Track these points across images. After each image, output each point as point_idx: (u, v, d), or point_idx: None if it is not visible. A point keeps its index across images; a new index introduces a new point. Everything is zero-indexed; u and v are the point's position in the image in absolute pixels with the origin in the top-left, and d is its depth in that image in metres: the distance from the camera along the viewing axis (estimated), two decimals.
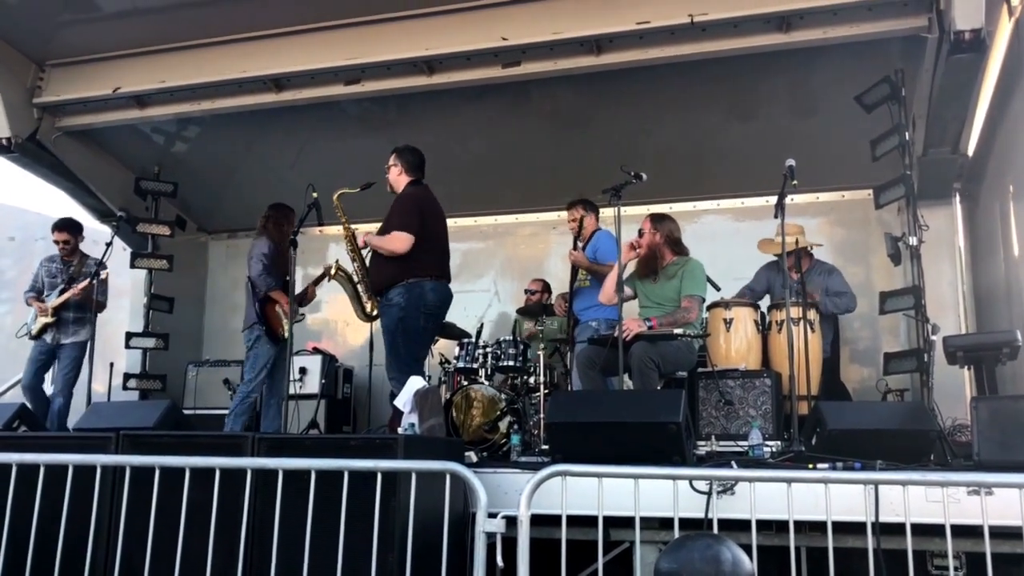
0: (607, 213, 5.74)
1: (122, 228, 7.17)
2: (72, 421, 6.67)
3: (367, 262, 5.46)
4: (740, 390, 5.08)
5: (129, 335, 7.53)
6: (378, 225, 5.30)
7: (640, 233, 5.23)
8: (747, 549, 2.42)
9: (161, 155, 7.81)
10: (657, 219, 5.30)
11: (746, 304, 5.50)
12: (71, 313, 6.60)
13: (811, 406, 4.67)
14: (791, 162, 4.74)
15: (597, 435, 3.78)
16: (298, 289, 6.00)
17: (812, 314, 5.34)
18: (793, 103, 6.59)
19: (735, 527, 3.21)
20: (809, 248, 6.02)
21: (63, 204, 8.07)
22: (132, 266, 7.55)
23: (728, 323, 5.34)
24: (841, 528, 3.16)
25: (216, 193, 8.38)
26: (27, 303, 6.75)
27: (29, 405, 6.01)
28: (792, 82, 6.34)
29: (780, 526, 3.33)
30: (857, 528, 3.24)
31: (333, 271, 5.57)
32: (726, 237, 7.39)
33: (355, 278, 5.59)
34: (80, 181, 7.62)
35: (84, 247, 6.93)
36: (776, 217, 4.88)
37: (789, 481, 3.03)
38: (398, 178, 5.32)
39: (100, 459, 3.39)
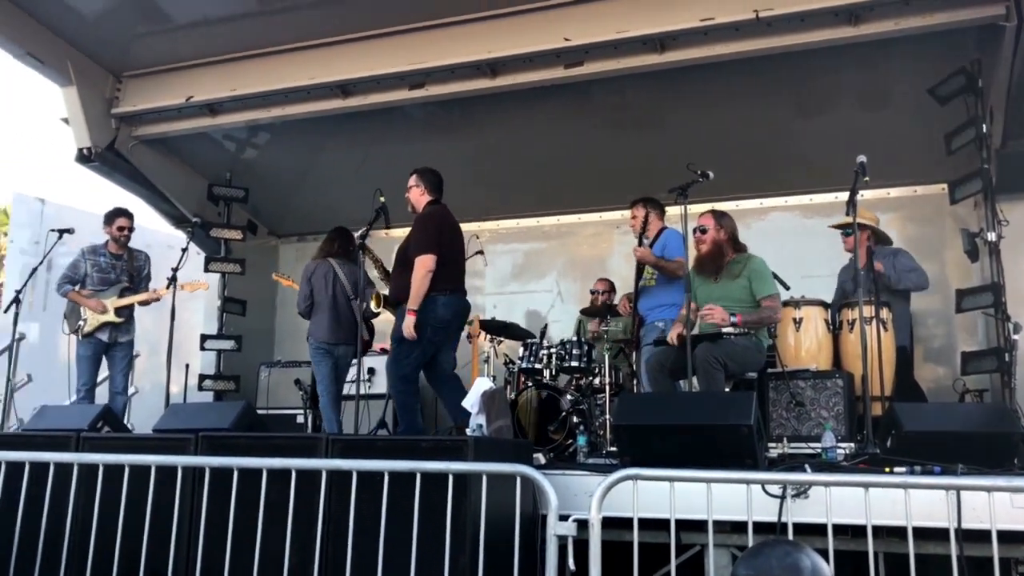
0: (672, 211, 5.70)
1: (196, 233, 7.36)
2: (139, 419, 6.88)
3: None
4: (811, 391, 4.98)
5: (204, 337, 7.75)
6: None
7: (703, 230, 5.08)
8: (822, 554, 2.37)
9: (232, 161, 8.00)
10: (719, 215, 5.16)
11: (816, 303, 5.39)
12: (123, 313, 6.51)
13: (885, 407, 4.56)
14: (862, 158, 4.62)
15: (666, 437, 3.74)
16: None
17: (885, 312, 5.20)
18: (863, 97, 6.43)
19: (809, 531, 3.15)
20: (875, 225, 5.77)
21: (140, 211, 8.32)
22: (206, 270, 7.74)
23: (798, 323, 5.24)
24: (921, 534, 3.07)
25: (285, 198, 8.55)
26: (64, 295, 6.47)
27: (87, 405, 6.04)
28: (861, 76, 6.18)
29: (856, 531, 3.26)
30: (937, 534, 3.16)
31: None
32: (794, 234, 7.25)
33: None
34: (156, 188, 7.84)
35: (155, 253, 6.98)
36: (847, 214, 4.76)
37: (867, 486, 2.96)
38: (419, 198, 5.43)
39: (181, 460, 3.49)
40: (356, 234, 5.76)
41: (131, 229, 6.62)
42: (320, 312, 6.24)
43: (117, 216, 6.58)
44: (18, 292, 6.32)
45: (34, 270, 6.60)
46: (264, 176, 8.09)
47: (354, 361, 6.98)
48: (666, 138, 6.89)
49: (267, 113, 6.99)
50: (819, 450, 4.33)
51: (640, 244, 5.72)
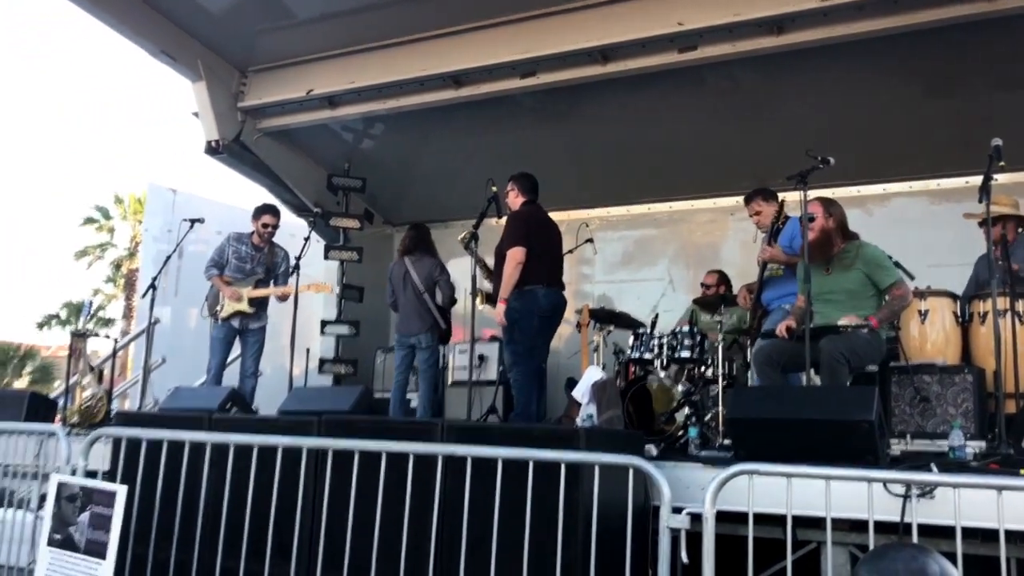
0: (789, 197, 5.52)
1: (317, 223, 7.63)
2: (262, 400, 7.21)
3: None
4: (938, 386, 4.77)
5: (324, 323, 8.05)
6: None
7: (811, 218, 4.78)
8: (950, 559, 2.29)
9: (350, 152, 8.25)
10: (828, 203, 4.90)
11: (944, 294, 5.14)
12: (255, 303, 6.77)
13: (1020, 405, 4.32)
14: (997, 141, 4.36)
15: (782, 432, 3.66)
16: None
17: (1021, 305, 4.92)
18: (997, 76, 6.07)
19: (934, 533, 3.04)
20: (1012, 212, 5.43)
21: (261, 200, 8.69)
22: (326, 258, 8.06)
23: (923, 314, 5.02)
24: None
25: (400, 187, 8.76)
26: (208, 278, 6.78)
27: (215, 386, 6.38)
28: (996, 53, 5.83)
29: (987, 535, 3.11)
30: None
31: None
32: (920, 221, 6.93)
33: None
34: (279, 178, 8.18)
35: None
36: (980, 201, 4.51)
37: (1000, 488, 2.83)
38: (515, 200, 5.85)
39: (306, 442, 3.66)
40: (464, 230, 6.18)
41: (275, 227, 6.88)
42: (399, 307, 6.83)
43: (263, 213, 6.87)
44: (154, 279, 6.66)
45: (168, 258, 6.98)
46: (380, 166, 8.31)
47: (460, 349, 7.23)
48: (782, 123, 6.71)
49: (383, 104, 7.17)
50: (946, 448, 4.15)
51: (769, 241, 5.48)
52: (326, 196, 8.31)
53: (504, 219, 5.98)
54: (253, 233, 6.88)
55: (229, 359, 6.92)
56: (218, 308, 6.69)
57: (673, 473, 3.63)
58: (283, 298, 6.71)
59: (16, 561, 4.42)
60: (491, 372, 7.54)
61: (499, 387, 7.19)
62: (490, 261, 6.27)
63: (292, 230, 8.77)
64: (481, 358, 7.52)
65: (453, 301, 6.82)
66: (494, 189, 5.74)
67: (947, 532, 2.88)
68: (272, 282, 6.85)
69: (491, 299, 6.22)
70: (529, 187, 5.84)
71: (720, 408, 5.43)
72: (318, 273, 8.49)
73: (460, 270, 6.80)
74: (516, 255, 5.49)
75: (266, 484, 3.69)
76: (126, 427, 4.34)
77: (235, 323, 6.71)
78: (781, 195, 5.60)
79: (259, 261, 6.83)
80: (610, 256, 8.40)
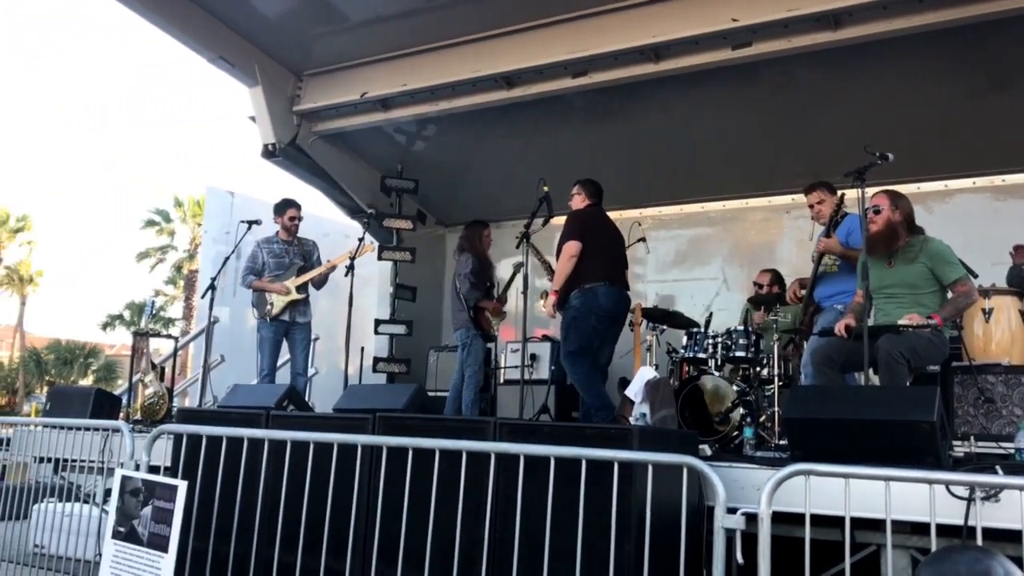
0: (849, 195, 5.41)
1: (371, 224, 7.72)
2: (318, 397, 7.29)
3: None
4: (1003, 387, 4.64)
5: (378, 322, 8.14)
6: None
7: (876, 210, 4.69)
8: (1016, 563, 2.23)
9: (403, 154, 8.33)
10: (895, 195, 4.78)
11: (1009, 292, 5.00)
12: (302, 293, 6.81)
13: None
14: None
15: (840, 432, 3.59)
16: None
17: None
18: None
19: (999, 537, 2.95)
20: None
21: (318, 202, 8.84)
22: (379, 258, 8.15)
23: (987, 313, 4.89)
24: None
25: (452, 188, 8.82)
26: (248, 286, 6.82)
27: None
28: None
29: None
30: None
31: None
32: (983, 217, 6.75)
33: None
34: (333, 180, 8.31)
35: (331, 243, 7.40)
36: None
37: None
38: (580, 203, 5.90)
39: (360, 439, 3.69)
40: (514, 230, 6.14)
41: (300, 218, 7.00)
42: None
43: (288, 207, 6.94)
44: (213, 279, 6.81)
45: (226, 259, 7.10)
46: (432, 167, 8.37)
47: (512, 348, 7.27)
48: (839, 118, 6.59)
49: (435, 107, 7.22)
50: (1011, 451, 4.03)
51: (828, 232, 5.39)
52: (379, 198, 8.41)
53: (551, 220, 6.03)
54: (279, 231, 6.96)
55: (281, 361, 7.01)
56: (268, 307, 6.73)
57: (728, 473, 3.59)
58: (321, 281, 6.83)
59: (83, 554, 4.55)
60: (543, 371, 7.55)
61: (551, 386, 7.19)
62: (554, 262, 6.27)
63: (347, 231, 8.91)
64: (533, 357, 7.53)
65: (474, 296, 6.71)
66: (545, 189, 5.73)
67: (1013, 536, 2.79)
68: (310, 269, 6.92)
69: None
70: (594, 191, 5.90)
71: (776, 408, 5.36)
72: (372, 273, 8.63)
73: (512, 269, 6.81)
74: (570, 248, 5.52)
75: (322, 480, 3.73)
76: (187, 424, 4.43)
77: (286, 317, 6.75)
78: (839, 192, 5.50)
79: (294, 253, 6.92)
80: (663, 255, 8.35)
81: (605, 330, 5.63)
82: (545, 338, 7.90)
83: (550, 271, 6.53)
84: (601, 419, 5.23)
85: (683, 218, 8.43)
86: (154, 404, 6.60)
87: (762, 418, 5.66)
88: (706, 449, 4.21)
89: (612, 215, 6.11)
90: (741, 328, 6.10)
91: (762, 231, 8.00)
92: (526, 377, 6.12)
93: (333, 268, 6.82)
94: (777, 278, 6.74)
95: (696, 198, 8.22)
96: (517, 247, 5.91)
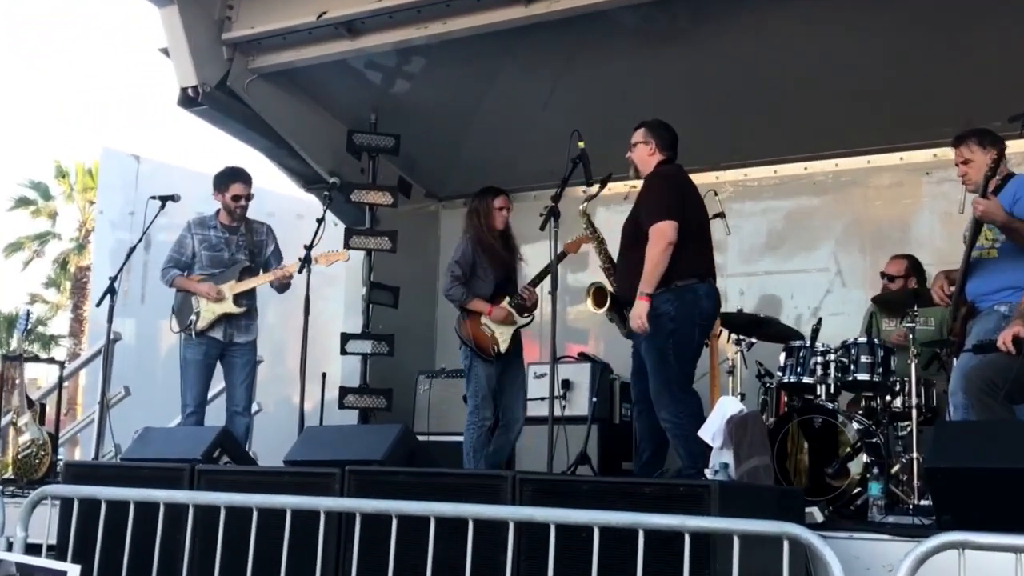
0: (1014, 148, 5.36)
1: (334, 199, 7.66)
2: (262, 444, 7.27)
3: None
4: None
5: (345, 337, 8.18)
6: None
7: None
8: None
9: (378, 99, 8.37)
10: None
11: None
12: (244, 301, 6.72)
13: None
14: None
15: (1008, 488, 3.59)
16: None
17: None
18: None
19: None
20: None
21: (260, 169, 8.88)
22: (346, 246, 8.06)
23: None
24: None
25: (449, 146, 8.86)
26: (170, 284, 6.78)
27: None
28: None
29: None
30: None
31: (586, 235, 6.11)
32: None
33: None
34: (280, 137, 8.35)
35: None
36: None
37: None
38: (648, 158, 5.73)
39: (324, 503, 3.72)
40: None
41: (248, 197, 6.88)
42: None
43: (232, 180, 6.84)
44: (112, 279, 6.68)
45: (131, 250, 6.95)
46: (420, 117, 8.41)
47: (536, 372, 7.20)
48: (997, 45, 6.57)
49: (423, 30, 7.23)
50: None
51: (985, 193, 5.33)
52: (346, 161, 8.46)
53: (594, 188, 5.98)
54: (219, 211, 6.92)
55: (213, 392, 7.02)
56: (192, 318, 6.67)
57: (847, 547, 3.61)
58: (284, 285, 6.75)
59: None
60: (579, 405, 7.55)
61: (591, 426, 7.20)
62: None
63: (300, 209, 8.95)
64: (566, 385, 7.53)
65: (457, 295, 6.65)
66: (581, 145, 5.71)
67: None
68: (262, 270, 6.86)
69: (615, 300, 6.10)
70: (670, 142, 5.76)
71: (915, 454, 5.35)
72: (335, 269, 8.60)
73: (540, 258, 6.74)
74: (666, 232, 5.34)
75: (271, 559, 3.77)
76: (79, 483, 4.47)
77: (217, 335, 6.72)
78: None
79: (238, 245, 6.86)
80: (750, 237, 8.33)
81: (702, 347, 5.64)
82: (583, 358, 7.90)
83: (609, 261, 6.36)
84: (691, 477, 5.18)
85: (778, 184, 8.42)
86: (31, 457, 6.65)
87: (895, 468, 5.65)
88: (816, 514, 4.21)
89: None
90: (864, 340, 6.07)
91: (891, 201, 7.98)
92: (557, 413, 6.12)
93: (287, 279, 6.72)
94: (915, 267, 6.71)
95: (797, 155, 8.22)
96: (541, 228, 5.91)
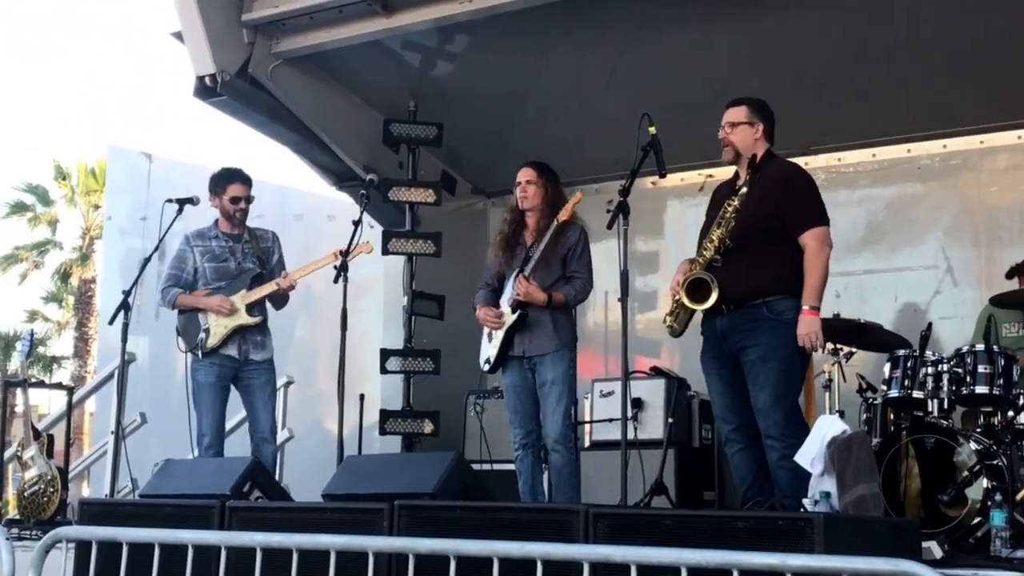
0: None
1: (370, 198, 7.65)
2: (293, 475, 7.28)
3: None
4: None
5: (385, 354, 8.21)
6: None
7: None
8: None
9: (418, 84, 8.44)
10: None
11: None
12: (257, 312, 6.78)
13: None
14: None
15: None
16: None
17: None
18: None
19: None
20: None
21: (287, 165, 8.94)
22: (384, 251, 8.16)
23: None
24: None
25: (498, 135, 8.89)
26: (172, 305, 6.83)
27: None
28: None
29: None
30: None
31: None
32: None
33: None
34: (308, 129, 8.42)
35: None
36: None
37: None
38: (754, 143, 5.58)
39: (373, 543, 3.73)
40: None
41: (248, 199, 6.92)
42: None
43: (229, 181, 6.88)
44: (126, 294, 6.72)
45: (146, 261, 7.01)
46: (465, 104, 8.47)
47: (603, 390, 7.15)
48: None
49: (467, 5, 7.24)
50: None
51: None
52: (382, 155, 8.50)
53: (664, 178, 5.94)
54: (217, 219, 6.95)
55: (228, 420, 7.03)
56: (202, 336, 6.72)
57: None
58: (283, 299, 6.82)
59: None
60: (653, 427, 7.52)
61: (667, 450, 7.17)
62: None
63: (331, 209, 8.98)
64: (637, 404, 7.51)
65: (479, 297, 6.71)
66: (652, 131, 5.69)
67: None
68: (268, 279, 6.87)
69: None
70: (774, 123, 5.73)
71: None
72: (371, 276, 8.64)
73: (606, 258, 6.68)
74: (828, 238, 5.44)
75: None
76: (96, 525, 4.52)
77: (232, 351, 6.75)
78: None
79: (244, 252, 6.89)
80: (845, 230, 8.23)
81: None
82: (657, 372, 7.87)
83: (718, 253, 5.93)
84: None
85: (876, 169, 8.40)
86: (39, 494, 6.71)
87: (1020, 495, 5.59)
88: (934, 548, 4.19)
89: None
90: (981, 347, 6.02)
91: (1011, 187, 7.93)
92: (629, 436, 6.11)
93: (288, 290, 6.76)
94: None
95: (898, 135, 8.20)
96: (609, 226, 5.91)
